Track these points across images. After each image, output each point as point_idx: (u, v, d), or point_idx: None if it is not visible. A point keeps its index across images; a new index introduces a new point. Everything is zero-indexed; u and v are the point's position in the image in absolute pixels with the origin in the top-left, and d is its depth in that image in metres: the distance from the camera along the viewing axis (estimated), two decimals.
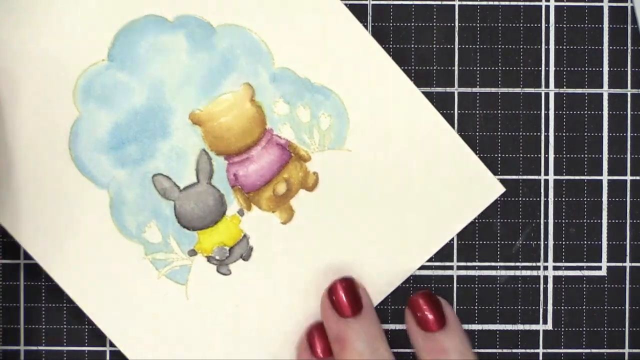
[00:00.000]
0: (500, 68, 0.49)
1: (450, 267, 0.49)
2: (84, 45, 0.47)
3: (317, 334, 0.46)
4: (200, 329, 0.48)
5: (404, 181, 0.48)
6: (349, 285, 0.46)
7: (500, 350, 0.49)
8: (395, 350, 0.49)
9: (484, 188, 0.48)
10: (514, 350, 0.49)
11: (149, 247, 0.48)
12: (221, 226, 0.48)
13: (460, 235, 0.49)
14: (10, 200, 0.47)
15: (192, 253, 0.48)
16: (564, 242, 0.49)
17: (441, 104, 0.48)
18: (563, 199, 0.49)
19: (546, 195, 0.49)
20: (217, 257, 0.48)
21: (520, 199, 0.49)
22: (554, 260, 0.49)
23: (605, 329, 0.49)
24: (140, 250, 0.47)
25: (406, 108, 0.48)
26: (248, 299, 0.48)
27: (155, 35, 0.47)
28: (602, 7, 0.49)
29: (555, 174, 0.49)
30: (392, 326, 0.49)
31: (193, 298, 0.48)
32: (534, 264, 0.49)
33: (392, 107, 0.48)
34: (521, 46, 0.49)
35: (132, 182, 0.47)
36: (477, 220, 0.49)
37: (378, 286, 0.48)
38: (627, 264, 0.49)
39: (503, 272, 0.49)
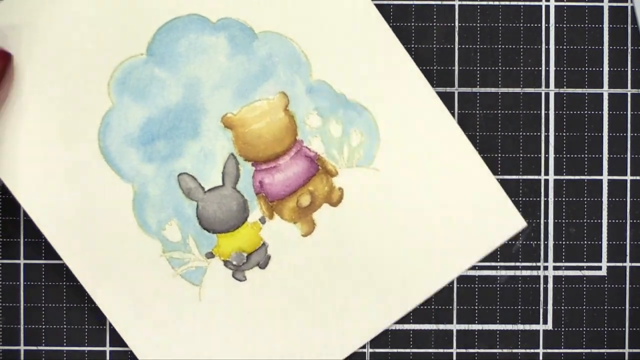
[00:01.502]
0: (500, 68, 0.49)
1: None
2: (124, 37, 0.47)
3: None
4: (210, 331, 0.48)
5: (428, 205, 0.47)
6: None
7: (500, 350, 0.49)
8: (396, 350, 0.49)
9: (505, 221, 0.48)
10: (514, 350, 0.49)
11: (167, 245, 0.48)
12: (242, 232, 0.48)
13: None
14: (34, 184, 0.47)
15: (210, 256, 0.48)
16: (564, 242, 0.49)
17: None
18: (563, 199, 0.49)
19: (546, 195, 0.49)
20: (235, 262, 0.48)
21: (520, 199, 0.49)
22: (554, 260, 0.49)
23: (605, 329, 0.49)
24: (158, 247, 0.47)
25: (438, 133, 0.47)
26: (261, 307, 0.48)
27: (197, 34, 0.47)
28: (602, 7, 0.49)
29: (555, 174, 0.49)
30: (391, 327, 0.49)
31: (205, 300, 0.48)
32: (534, 264, 0.49)
33: (424, 130, 0.47)
34: (521, 46, 0.49)
35: (158, 179, 0.47)
36: None
37: (390, 308, 0.48)
38: (627, 264, 0.49)
39: (503, 272, 0.49)
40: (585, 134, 0.49)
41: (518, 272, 0.49)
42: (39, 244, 0.48)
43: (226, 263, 0.48)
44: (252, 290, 0.48)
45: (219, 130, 0.47)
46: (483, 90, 0.49)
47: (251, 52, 0.47)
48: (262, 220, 0.48)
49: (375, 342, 0.49)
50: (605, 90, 0.49)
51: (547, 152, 0.49)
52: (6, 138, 0.47)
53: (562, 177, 0.49)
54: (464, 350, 0.49)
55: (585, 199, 0.49)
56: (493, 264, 0.49)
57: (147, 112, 0.47)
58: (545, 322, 0.49)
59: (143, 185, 0.47)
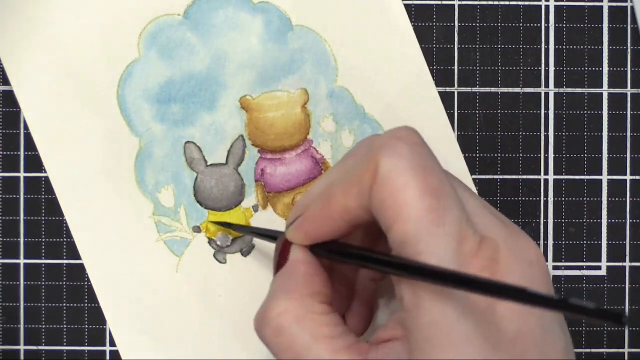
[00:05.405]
0: (500, 68, 0.49)
1: None
2: None
3: None
4: (180, 304, 0.48)
5: None
6: None
7: None
8: None
9: None
10: None
11: (159, 208, 0.48)
12: (233, 214, 0.48)
13: None
14: (48, 110, 0.47)
15: (197, 230, 0.48)
16: (564, 242, 0.49)
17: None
18: (563, 199, 0.49)
19: (546, 195, 0.49)
20: (219, 243, 0.48)
21: (520, 199, 0.49)
22: (554, 260, 0.49)
23: (605, 328, 0.49)
24: (150, 208, 0.48)
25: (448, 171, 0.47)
26: (233, 294, 0.48)
27: (235, 10, 0.47)
28: (602, 7, 0.49)
29: (555, 174, 0.49)
30: None
31: (182, 273, 0.48)
32: None
33: None
34: (521, 46, 0.49)
35: (165, 141, 0.48)
36: None
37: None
38: (627, 264, 0.49)
39: None
40: (585, 134, 0.49)
41: None
42: (39, 244, 0.48)
43: (210, 242, 0.48)
44: (230, 275, 0.48)
45: (235, 109, 0.48)
46: (483, 90, 0.49)
47: (284, 42, 0.48)
48: (255, 209, 0.48)
49: None
50: (605, 90, 0.49)
51: (547, 152, 0.49)
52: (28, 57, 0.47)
53: (562, 177, 0.49)
54: None
55: (585, 199, 0.49)
56: None
57: (170, 73, 0.48)
58: None
59: (150, 144, 0.48)
